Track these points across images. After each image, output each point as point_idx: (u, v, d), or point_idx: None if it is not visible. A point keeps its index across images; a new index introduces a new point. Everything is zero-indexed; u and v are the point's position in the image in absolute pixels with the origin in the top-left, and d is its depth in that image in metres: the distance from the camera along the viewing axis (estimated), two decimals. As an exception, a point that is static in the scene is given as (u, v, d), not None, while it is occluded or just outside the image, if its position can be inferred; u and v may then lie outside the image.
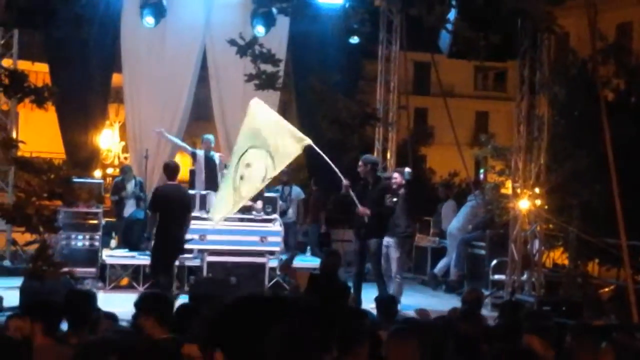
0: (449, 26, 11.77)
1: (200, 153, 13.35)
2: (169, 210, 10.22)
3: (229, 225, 11.88)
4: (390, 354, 4.57)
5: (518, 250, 12.55)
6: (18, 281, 9.35)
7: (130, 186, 13.94)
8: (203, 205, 12.53)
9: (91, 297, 5.72)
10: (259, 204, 12.15)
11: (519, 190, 12.83)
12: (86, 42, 13.78)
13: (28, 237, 11.81)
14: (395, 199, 11.21)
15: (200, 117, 21.29)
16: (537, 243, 12.73)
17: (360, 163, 11.45)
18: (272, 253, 12.18)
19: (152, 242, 10.44)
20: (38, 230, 8.05)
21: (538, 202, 12.85)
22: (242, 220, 12.06)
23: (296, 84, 15.09)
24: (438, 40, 13.21)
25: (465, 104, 31.59)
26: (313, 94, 11.49)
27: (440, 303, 11.65)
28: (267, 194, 13.36)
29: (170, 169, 10.53)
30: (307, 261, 13.12)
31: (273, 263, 12.14)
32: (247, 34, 11.85)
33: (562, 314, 10.43)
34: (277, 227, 12.18)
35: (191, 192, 13.04)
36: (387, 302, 7.94)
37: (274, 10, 13.61)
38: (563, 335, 5.31)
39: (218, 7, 14.85)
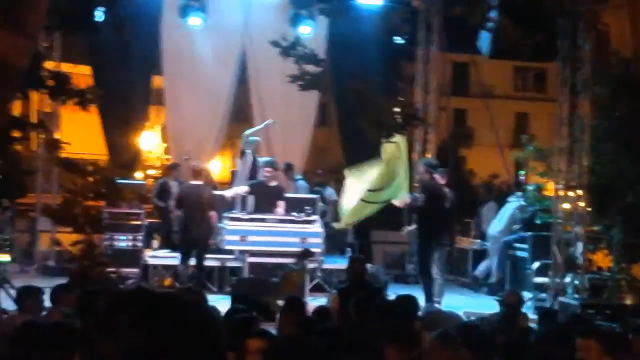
0: (490, 25, 11.67)
1: (250, 154, 13.40)
2: (188, 208, 11.57)
3: (269, 226, 11.91)
4: (432, 357, 4.55)
5: (561, 253, 12.41)
6: (62, 281, 9.45)
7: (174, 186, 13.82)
8: (244, 207, 12.59)
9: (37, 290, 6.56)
10: (281, 209, 12.12)
11: (561, 192, 12.69)
12: (127, 45, 13.92)
13: (71, 238, 11.95)
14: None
15: (240, 118, 21.42)
16: (580, 245, 12.57)
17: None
18: (313, 254, 12.15)
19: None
20: (85, 230, 8.15)
21: (581, 203, 12.70)
22: (282, 221, 12.06)
23: (336, 85, 15.08)
24: (477, 41, 13.12)
25: (504, 105, 31.29)
26: (354, 95, 11.46)
27: (482, 305, 11.55)
28: (307, 195, 13.39)
29: (194, 171, 12.01)
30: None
31: (314, 264, 12.15)
32: (287, 36, 11.88)
33: (606, 318, 10.30)
34: (318, 228, 12.17)
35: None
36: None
37: (314, 11, 13.63)
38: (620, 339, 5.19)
39: (257, 8, 14.92)
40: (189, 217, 11.66)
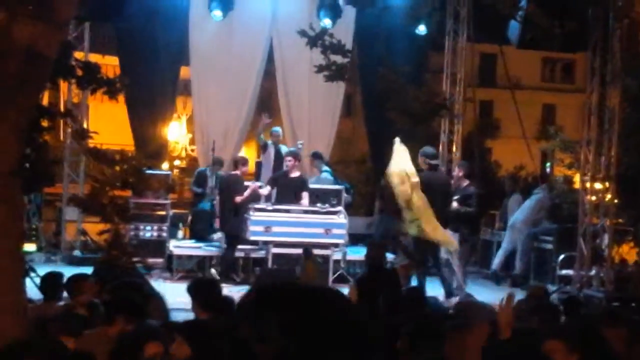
0: (520, 15, 11.58)
1: (271, 145, 13.45)
2: (222, 197, 12.27)
3: (294, 217, 11.94)
4: (449, 348, 4.54)
5: (587, 245, 12.33)
6: (88, 270, 9.54)
7: (212, 180, 13.82)
8: (268, 197, 12.63)
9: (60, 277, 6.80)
10: (305, 200, 12.13)
11: (588, 184, 12.60)
12: (155, 35, 14.00)
13: (97, 227, 12.05)
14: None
15: (265, 109, 21.46)
16: (606, 237, 12.48)
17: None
18: (336, 245, 12.18)
19: None
20: (112, 219, 8.22)
21: (608, 196, 12.60)
22: (307, 212, 12.08)
23: (362, 75, 15.06)
24: (507, 30, 13.03)
25: (532, 96, 31.06)
26: (383, 84, 11.42)
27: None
28: (332, 187, 13.40)
29: (234, 161, 12.56)
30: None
31: (337, 255, 12.16)
32: (314, 26, 11.87)
33: (632, 311, 10.22)
34: (342, 219, 12.17)
35: (257, 184, 13.21)
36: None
37: (340, 1, 13.61)
38: None
39: (284, -1, 14.93)
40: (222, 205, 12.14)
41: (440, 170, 12.46)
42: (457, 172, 11.96)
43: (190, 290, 5.84)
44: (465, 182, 11.86)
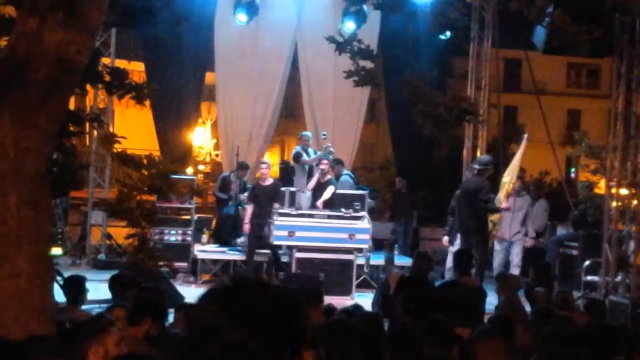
0: (547, 20, 11.54)
1: (301, 151, 13.48)
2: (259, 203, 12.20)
3: (317, 222, 11.96)
4: (478, 353, 4.56)
5: (612, 251, 12.24)
6: (112, 274, 9.60)
7: (235, 185, 13.86)
8: (292, 202, 12.68)
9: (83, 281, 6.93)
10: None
11: (614, 190, 12.52)
12: (181, 41, 14.10)
13: (123, 232, 12.15)
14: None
15: (289, 114, 21.54)
16: (632, 244, 12.39)
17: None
18: (360, 250, 12.18)
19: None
20: (139, 223, 8.27)
21: (634, 202, 12.51)
22: (330, 217, 12.10)
23: (386, 80, 15.05)
24: (532, 36, 12.98)
25: (557, 102, 30.89)
26: (408, 89, 11.41)
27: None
28: (356, 192, 13.42)
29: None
30: (397, 260, 13.04)
31: (361, 260, 12.17)
32: (339, 31, 11.89)
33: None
34: (366, 224, 12.17)
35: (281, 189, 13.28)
36: None
37: (365, 7, 13.61)
38: None
39: (309, 4, 14.96)
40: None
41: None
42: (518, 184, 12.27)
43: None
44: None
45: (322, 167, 12.59)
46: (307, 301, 6.58)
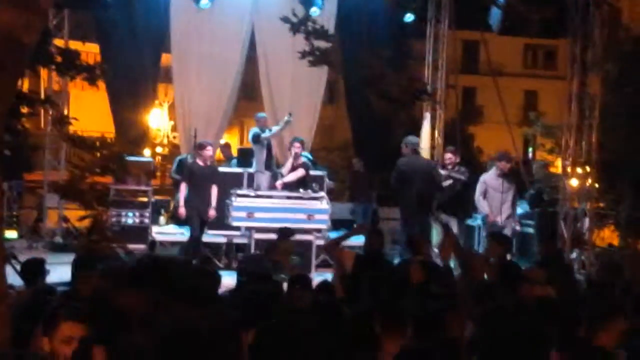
0: (501, 2, 11.62)
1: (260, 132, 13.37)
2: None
3: (276, 203, 11.96)
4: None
5: (568, 229, 12.42)
6: (69, 257, 9.51)
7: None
8: (250, 184, 12.64)
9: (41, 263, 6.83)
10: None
11: (569, 169, 12.69)
12: (136, 22, 13.93)
13: (79, 214, 12.03)
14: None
15: (247, 96, 21.42)
16: (587, 221, 12.59)
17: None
18: (319, 231, 12.22)
19: None
20: (91, 205, 8.20)
21: (589, 180, 12.70)
22: (289, 198, 12.10)
23: (344, 61, 15.03)
24: (488, 18, 13.06)
25: (514, 83, 31.21)
26: (362, 69, 11.45)
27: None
28: (314, 172, 13.42)
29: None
30: (356, 239, 13.05)
31: (320, 241, 12.19)
32: (296, 12, 11.83)
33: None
34: (325, 205, 12.20)
35: (239, 170, 13.21)
36: None
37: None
38: None
39: (266, -15, 14.84)
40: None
41: (421, 155, 12.60)
42: (453, 157, 12.09)
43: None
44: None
45: (295, 150, 12.52)
46: (294, 283, 6.59)
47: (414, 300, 5.62)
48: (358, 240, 11.13)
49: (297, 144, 12.60)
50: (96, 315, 1.96)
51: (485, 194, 11.67)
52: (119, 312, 1.96)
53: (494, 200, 11.65)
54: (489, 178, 11.72)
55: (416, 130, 15.36)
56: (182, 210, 11.72)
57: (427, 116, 13.66)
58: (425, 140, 13.79)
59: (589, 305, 5.15)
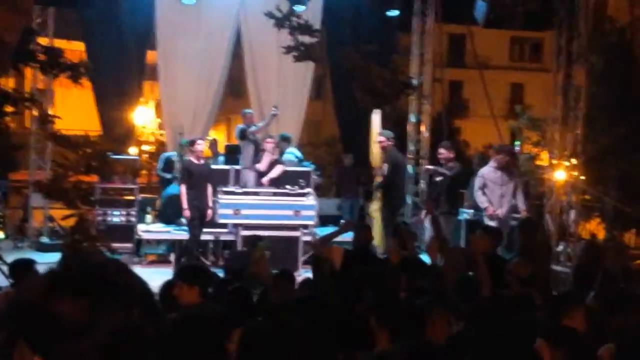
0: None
1: (246, 128, 13.35)
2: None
3: (263, 199, 11.94)
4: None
5: (554, 221, 12.46)
6: (55, 257, 9.48)
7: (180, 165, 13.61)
8: (237, 181, 12.61)
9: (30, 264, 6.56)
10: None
11: (555, 161, 12.72)
12: (121, 20, 13.86)
13: (65, 213, 11.97)
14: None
15: (234, 93, 21.37)
16: (572, 214, 12.63)
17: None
18: (306, 227, 12.20)
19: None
20: (75, 204, 8.15)
21: (574, 173, 12.74)
22: (276, 194, 12.08)
23: (330, 56, 15.02)
24: (473, 11, 13.07)
25: (500, 76, 31.22)
26: (347, 63, 11.42)
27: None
28: (301, 169, 13.40)
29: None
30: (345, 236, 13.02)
31: (307, 237, 12.18)
32: (281, 7, 11.80)
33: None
34: (311, 201, 12.20)
35: (226, 167, 13.16)
36: None
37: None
38: None
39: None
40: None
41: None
42: (446, 153, 11.90)
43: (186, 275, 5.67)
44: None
45: (267, 145, 12.50)
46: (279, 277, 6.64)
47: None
48: (347, 235, 11.15)
49: (269, 139, 12.62)
50: (30, 324, 1.97)
51: (484, 188, 11.46)
52: (54, 319, 1.97)
53: (493, 193, 11.35)
54: (487, 172, 11.38)
55: (403, 126, 15.39)
56: (187, 213, 11.68)
57: (378, 111, 13.57)
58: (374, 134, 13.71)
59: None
